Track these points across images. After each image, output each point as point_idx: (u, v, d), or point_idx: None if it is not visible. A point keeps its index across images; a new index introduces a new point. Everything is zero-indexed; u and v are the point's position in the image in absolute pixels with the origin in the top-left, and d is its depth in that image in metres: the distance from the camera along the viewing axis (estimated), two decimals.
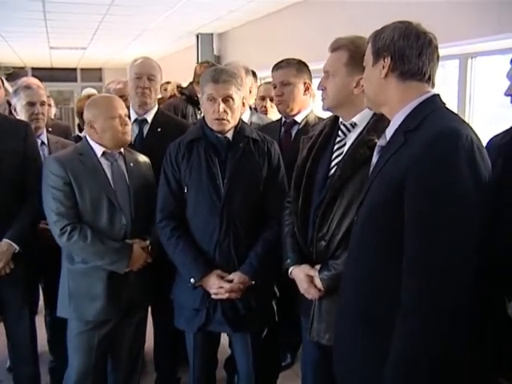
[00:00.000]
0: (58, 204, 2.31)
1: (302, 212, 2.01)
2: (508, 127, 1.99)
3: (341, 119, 2.00)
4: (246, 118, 2.90)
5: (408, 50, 1.47)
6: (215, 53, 7.89)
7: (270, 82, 3.57)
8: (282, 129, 2.74)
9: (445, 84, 3.78)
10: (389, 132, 1.53)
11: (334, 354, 1.69)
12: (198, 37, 7.77)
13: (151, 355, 3.14)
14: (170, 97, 4.94)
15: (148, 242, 2.44)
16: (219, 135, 2.27)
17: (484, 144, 1.45)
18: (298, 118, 2.69)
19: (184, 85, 4.33)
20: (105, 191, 2.35)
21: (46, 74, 12.02)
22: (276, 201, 2.28)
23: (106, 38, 8.24)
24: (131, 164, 2.48)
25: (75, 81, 13.72)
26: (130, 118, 2.68)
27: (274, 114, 3.49)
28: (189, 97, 4.10)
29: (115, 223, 2.37)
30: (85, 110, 2.42)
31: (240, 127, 2.32)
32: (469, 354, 1.36)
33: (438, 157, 1.30)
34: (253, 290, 2.26)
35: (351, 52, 1.87)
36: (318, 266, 1.97)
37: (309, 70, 2.69)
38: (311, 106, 2.74)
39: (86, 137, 2.47)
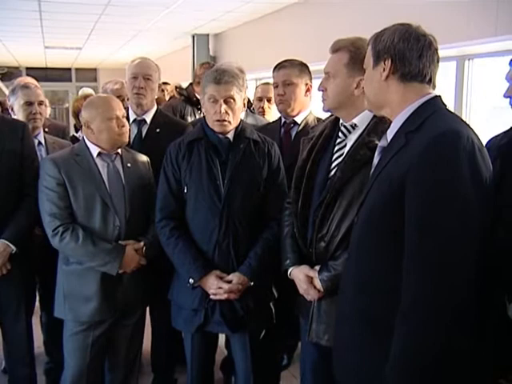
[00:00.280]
0: (52, 205, 2.31)
1: (301, 213, 2.01)
2: (507, 128, 2.01)
3: (341, 120, 2.00)
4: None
5: (408, 52, 1.47)
6: (211, 53, 7.89)
7: (267, 83, 3.60)
8: (282, 129, 2.74)
9: (442, 86, 3.79)
10: (390, 133, 1.54)
11: (333, 354, 1.69)
12: (193, 37, 7.76)
13: (148, 356, 3.14)
14: (170, 98, 4.94)
15: (142, 243, 2.42)
16: (220, 136, 2.28)
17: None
18: (298, 119, 2.70)
19: (184, 85, 4.32)
20: (99, 192, 2.34)
21: (41, 73, 11.96)
22: (276, 202, 2.28)
23: (102, 38, 8.21)
24: (128, 164, 2.47)
25: (70, 81, 13.66)
26: (128, 118, 2.70)
27: (271, 115, 3.50)
28: (187, 97, 4.10)
29: (109, 224, 2.36)
30: (82, 111, 2.42)
31: (241, 128, 2.32)
32: (469, 353, 1.36)
33: (439, 157, 1.30)
34: (251, 291, 2.26)
35: (352, 53, 1.88)
36: (317, 267, 1.97)
37: (309, 72, 2.70)
38: (310, 108, 2.75)
39: (83, 137, 2.47)
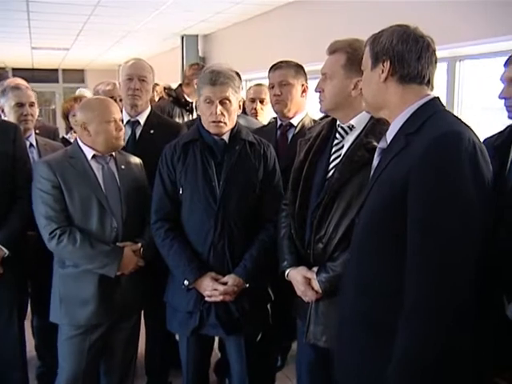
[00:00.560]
0: (48, 208, 2.28)
1: (299, 214, 2.01)
2: (501, 129, 2.03)
3: (338, 122, 2.01)
4: None
5: (407, 54, 1.48)
6: (200, 54, 7.86)
7: (260, 84, 3.59)
8: (278, 132, 2.74)
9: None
10: (389, 135, 1.54)
11: (334, 357, 1.69)
12: (182, 38, 7.72)
13: (142, 359, 3.12)
14: (160, 99, 4.91)
15: (140, 244, 2.42)
16: (216, 137, 2.27)
17: None
18: (295, 121, 2.69)
19: (173, 86, 4.30)
20: (95, 194, 2.33)
21: (27, 74, 11.79)
22: (272, 204, 2.28)
23: (90, 38, 8.14)
24: (122, 166, 2.46)
25: (57, 82, 13.54)
26: (122, 120, 2.67)
27: (264, 117, 3.49)
28: (176, 98, 4.08)
29: (106, 226, 2.35)
30: (78, 112, 2.40)
31: (236, 130, 2.31)
32: (470, 353, 1.36)
33: (441, 159, 1.31)
34: (247, 293, 2.25)
35: (349, 54, 1.89)
36: (315, 268, 1.97)
37: (305, 73, 2.69)
38: (306, 109, 2.74)
39: (76, 140, 2.45)
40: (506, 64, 1.99)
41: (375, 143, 1.80)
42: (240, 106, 2.33)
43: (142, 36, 7.83)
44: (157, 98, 5.19)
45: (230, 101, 2.22)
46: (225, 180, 2.22)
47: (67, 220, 2.31)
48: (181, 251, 2.23)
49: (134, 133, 2.84)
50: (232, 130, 2.30)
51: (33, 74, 12.52)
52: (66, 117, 3.66)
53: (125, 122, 2.79)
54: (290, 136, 2.69)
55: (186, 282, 2.21)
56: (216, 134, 2.26)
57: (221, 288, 2.19)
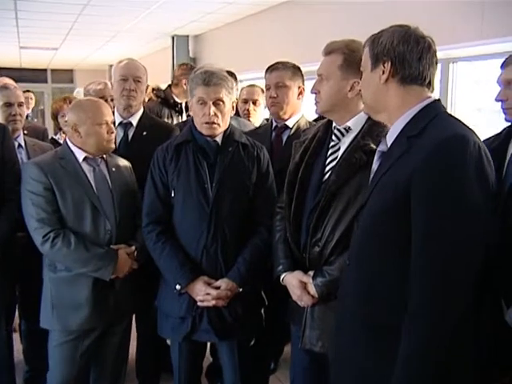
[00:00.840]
0: (39, 210, 2.23)
1: (294, 217, 1.98)
2: (498, 131, 2.02)
3: (334, 123, 1.98)
4: None
5: (408, 55, 1.45)
6: (191, 55, 7.83)
7: (253, 85, 3.56)
8: (273, 133, 2.70)
9: None
10: (390, 138, 1.51)
11: (333, 364, 1.66)
12: (173, 38, 7.68)
13: (133, 363, 3.07)
14: (149, 100, 4.87)
15: (134, 247, 2.38)
16: (208, 139, 2.23)
17: None
18: (290, 123, 2.66)
19: (163, 87, 4.26)
20: (88, 196, 2.29)
21: (15, 74, 11.59)
22: (265, 206, 2.25)
23: (80, 38, 8.07)
24: (113, 169, 2.42)
25: (45, 82, 13.42)
26: (114, 122, 2.64)
27: (256, 118, 3.46)
28: (164, 99, 4.04)
29: (100, 229, 2.31)
30: (69, 113, 2.35)
31: (229, 131, 2.28)
32: (472, 357, 1.37)
33: (446, 162, 1.29)
34: (240, 298, 2.21)
35: (346, 55, 1.86)
36: (311, 273, 1.94)
37: (302, 75, 2.66)
38: (302, 111, 2.71)
39: (66, 141, 2.40)
40: (503, 66, 1.97)
41: (372, 145, 1.79)
42: (233, 107, 2.29)
43: (132, 36, 7.78)
44: (146, 99, 5.15)
45: (223, 102, 2.18)
46: (218, 182, 2.18)
47: (60, 222, 2.26)
48: (173, 255, 2.19)
49: (126, 134, 2.79)
50: (225, 131, 2.26)
51: (21, 74, 12.37)
52: (55, 117, 3.63)
53: (117, 124, 2.76)
54: (284, 138, 2.66)
55: (177, 287, 2.17)
56: (209, 136, 2.22)
57: (213, 292, 2.15)
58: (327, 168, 1.94)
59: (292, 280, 1.97)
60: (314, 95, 1.98)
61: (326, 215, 1.88)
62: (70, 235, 2.24)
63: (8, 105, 2.81)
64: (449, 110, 3.62)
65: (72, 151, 2.34)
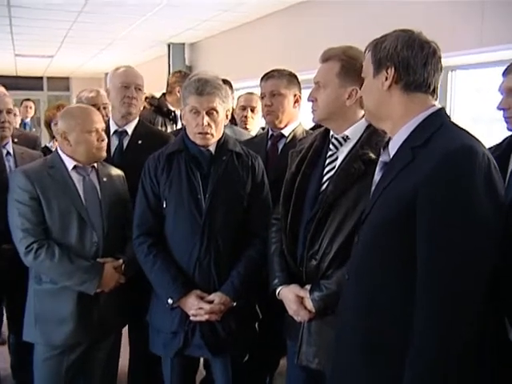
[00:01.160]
0: (24, 220, 2.17)
1: (291, 229, 1.92)
2: (499, 141, 1.97)
3: (332, 132, 1.92)
4: None
5: (413, 60, 1.39)
6: (187, 63, 7.80)
7: (251, 93, 3.52)
8: (269, 142, 2.65)
9: None
10: (392, 148, 1.45)
11: (330, 382, 1.60)
12: (169, 46, 7.67)
13: (125, 377, 2.99)
14: (143, 108, 4.83)
15: (121, 261, 2.32)
16: (202, 148, 2.17)
17: None
18: (286, 132, 2.60)
19: (157, 95, 4.21)
20: (75, 206, 2.23)
21: (11, 82, 11.62)
22: (260, 217, 2.19)
23: (75, 46, 8.04)
24: (104, 179, 2.36)
25: (41, 90, 13.39)
26: (109, 129, 2.60)
27: (253, 125, 3.42)
28: (158, 107, 3.98)
29: (86, 241, 2.25)
30: (59, 120, 2.29)
31: (223, 140, 2.21)
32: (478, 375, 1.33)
33: (455, 175, 1.24)
34: (234, 312, 2.15)
35: (343, 62, 1.81)
36: (308, 286, 1.87)
37: (299, 82, 2.60)
38: (299, 119, 2.66)
39: (57, 149, 2.35)
40: (505, 74, 1.94)
41: (372, 155, 1.74)
42: (227, 115, 2.22)
43: (128, 44, 7.76)
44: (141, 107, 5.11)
45: (217, 111, 2.11)
46: (211, 193, 2.11)
47: (45, 233, 2.20)
48: (164, 268, 2.13)
49: (121, 143, 2.73)
50: (219, 140, 2.20)
51: (17, 82, 12.35)
52: (48, 125, 3.58)
53: (112, 132, 2.71)
54: (280, 146, 2.60)
55: (169, 301, 2.11)
56: (202, 146, 2.16)
57: (207, 307, 2.09)
58: (325, 178, 1.87)
59: (288, 294, 1.90)
60: (310, 103, 1.92)
61: (324, 227, 1.81)
62: (55, 247, 2.18)
63: None
64: None
65: (62, 159, 2.28)
